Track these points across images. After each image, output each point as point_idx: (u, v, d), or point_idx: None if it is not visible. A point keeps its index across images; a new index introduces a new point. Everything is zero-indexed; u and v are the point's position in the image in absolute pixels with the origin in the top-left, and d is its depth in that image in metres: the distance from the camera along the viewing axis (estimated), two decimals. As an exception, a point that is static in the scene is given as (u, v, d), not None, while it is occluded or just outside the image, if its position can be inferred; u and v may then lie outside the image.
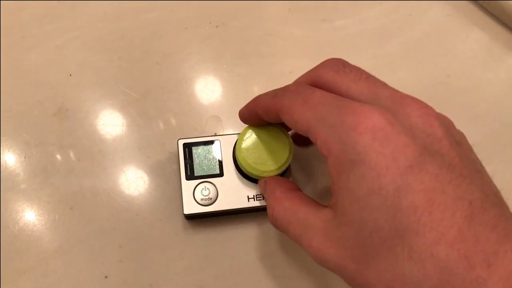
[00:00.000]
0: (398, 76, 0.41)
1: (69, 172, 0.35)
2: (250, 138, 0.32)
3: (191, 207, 0.32)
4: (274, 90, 0.29)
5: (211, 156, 0.33)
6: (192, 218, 0.34)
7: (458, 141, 0.24)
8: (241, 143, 0.32)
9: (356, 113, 0.23)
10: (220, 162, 0.33)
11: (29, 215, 0.33)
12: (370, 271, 0.23)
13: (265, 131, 0.32)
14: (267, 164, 0.31)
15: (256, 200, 0.32)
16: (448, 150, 0.23)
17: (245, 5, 0.41)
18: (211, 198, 0.32)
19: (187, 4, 0.40)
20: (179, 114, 0.37)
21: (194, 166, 0.33)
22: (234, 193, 0.32)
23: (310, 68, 0.40)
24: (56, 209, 0.34)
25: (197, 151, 0.33)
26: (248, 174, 0.32)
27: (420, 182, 0.21)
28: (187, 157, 0.33)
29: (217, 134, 0.36)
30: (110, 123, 0.36)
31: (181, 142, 0.33)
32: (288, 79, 0.39)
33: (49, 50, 0.38)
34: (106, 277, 0.32)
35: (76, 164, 0.35)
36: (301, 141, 0.34)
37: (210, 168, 0.33)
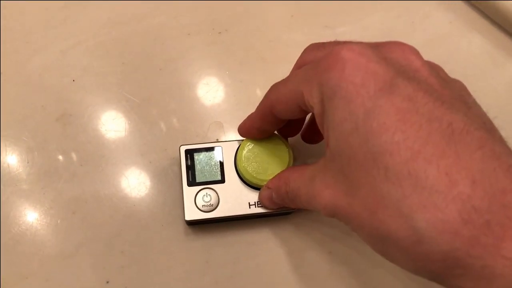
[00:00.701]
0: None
1: (72, 177, 0.35)
2: (251, 147, 0.32)
3: (192, 213, 0.32)
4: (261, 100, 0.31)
5: (212, 163, 0.33)
6: (194, 224, 0.34)
7: (443, 77, 0.24)
8: (242, 152, 0.32)
9: (327, 57, 0.23)
10: (222, 169, 0.33)
11: (32, 220, 0.34)
12: (356, 201, 0.22)
13: (266, 141, 0.32)
14: (267, 173, 0.32)
15: (257, 207, 0.32)
16: (426, 77, 0.22)
17: (247, 12, 0.41)
18: (212, 205, 0.32)
19: (190, 10, 0.41)
20: (181, 120, 0.37)
21: (196, 173, 0.33)
22: (235, 200, 0.32)
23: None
24: (58, 214, 0.34)
25: (199, 157, 0.33)
26: (248, 182, 0.32)
27: (391, 103, 0.21)
28: (189, 163, 0.33)
29: (219, 140, 0.36)
30: (113, 128, 0.36)
31: (183, 148, 0.33)
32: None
33: (53, 55, 0.38)
34: (107, 282, 0.33)
35: (78, 169, 0.35)
36: (309, 137, 0.35)
37: (211, 175, 0.33)
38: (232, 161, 0.33)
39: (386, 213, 0.20)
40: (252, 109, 0.38)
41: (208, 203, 0.32)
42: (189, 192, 0.32)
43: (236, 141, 0.33)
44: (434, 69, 0.24)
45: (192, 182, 0.33)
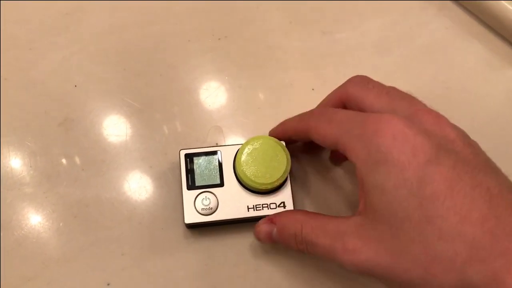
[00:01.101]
0: (397, 88, 0.42)
1: (74, 181, 0.35)
2: (250, 151, 0.33)
3: (192, 217, 0.32)
4: (299, 115, 0.32)
5: (212, 167, 0.34)
6: (193, 227, 0.34)
7: (471, 143, 0.27)
8: (241, 157, 0.33)
9: (376, 122, 0.26)
10: (221, 173, 0.34)
11: (34, 223, 0.34)
12: (406, 259, 0.25)
13: (264, 145, 0.33)
14: (265, 176, 0.32)
15: (256, 210, 0.33)
16: (461, 148, 0.26)
17: (247, 18, 0.42)
18: (211, 208, 0.33)
19: (190, 17, 0.41)
20: (181, 125, 0.38)
21: (195, 177, 0.33)
22: (234, 203, 0.33)
23: (310, 79, 0.41)
24: (60, 217, 0.34)
25: (198, 162, 0.34)
26: (247, 186, 0.33)
27: (439, 172, 0.24)
28: (189, 167, 0.33)
29: (218, 145, 0.37)
30: (114, 133, 0.37)
31: (182, 153, 0.34)
32: (288, 91, 0.40)
33: (55, 62, 0.39)
34: (108, 284, 0.33)
35: (80, 173, 0.36)
36: (336, 159, 0.37)
37: (211, 178, 0.33)
38: (231, 165, 0.34)
39: (440, 268, 0.23)
40: (251, 114, 0.38)
41: (208, 207, 0.33)
42: (188, 195, 0.33)
43: (235, 146, 0.34)
44: (464, 137, 0.27)
45: (191, 186, 0.33)
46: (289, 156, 0.33)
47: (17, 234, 0.34)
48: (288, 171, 0.33)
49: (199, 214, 0.33)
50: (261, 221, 0.32)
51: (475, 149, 0.26)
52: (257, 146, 0.33)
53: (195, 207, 0.33)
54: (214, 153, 0.34)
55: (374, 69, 0.42)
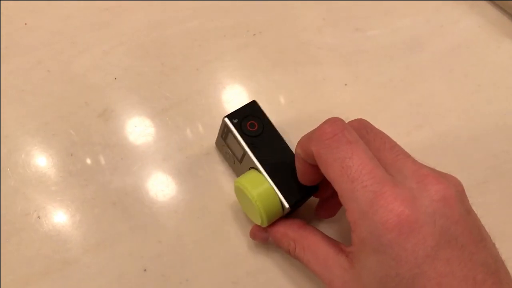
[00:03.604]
0: (429, 85, 0.42)
1: (113, 170, 0.37)
2: (236, 191, 0.33)
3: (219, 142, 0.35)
4: (310, 132, 0.28)
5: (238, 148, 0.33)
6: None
7: (467, 209, 0.26)
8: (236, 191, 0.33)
9: (386, 204, 0.24)
10: (241, 159, 0.34)
11: (75, 209, 0.35)
12: None
13: (242, 192, 0.32)
14: (254, 218, 0.33)
15: None
16: (462, 231, 0.25)
17: (281, 15, 0.43)
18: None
19: (226, 13, 0.42)
20: (216, 118, 0.38)
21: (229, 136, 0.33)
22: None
23: (343, 75, 0.41)
24: (99, 205, 0.36)
25: (231, 138, 0.34)
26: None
27: (434, 270, 0.24)
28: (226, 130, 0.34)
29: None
30: (152, 124, 0.38)
31: (227, 120, 0.33)
32: (321, 86, 0.40)
33: (97, 55, 0.40)
34: (145, 270, 0.34)
35: (119, 162, 0.37)
36: (322, 213, 0.35)
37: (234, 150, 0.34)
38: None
39: None
40: (284, 108, 0.39)
41: (227, 157, 0.36)
42: (219, 139, 0.35)
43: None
44: (463, 203, 0.26)
45: (223, 139, 0.34)
46: (263, 214, 0.31)
47: (58, 219, 0.35)
48: (266, 224, 0.32)
49: (222, 151, 0.36)
50: (255, 228, 0.34)
51: (473, 222, 0.26)
52: (244, 188, 0.31)
53: (222, 147, 0.35)
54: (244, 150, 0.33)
55: (406, 65, 0.42)
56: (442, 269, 0.24)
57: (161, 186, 0.36)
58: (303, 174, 0.30)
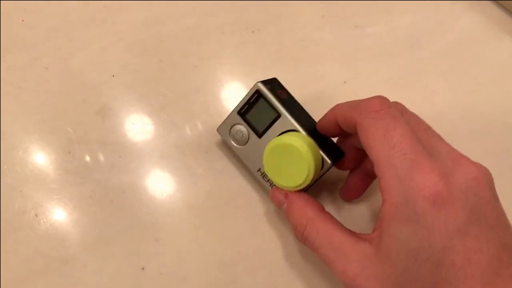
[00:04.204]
0: (428, 83, 0.42)
1: (110, 168, 0.36)
2: (271, 152, 0.32)
3: (223, 131, 0.35)
4: (355, 102, 0.30)
5: (266, 118, 0.33)
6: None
7: (495, 197, 0.26)
8: (266, 156, 0.32)
9: (423, 172, 0.25)
10: (267, 129, 0.34)
11: (71, 208, 0.35)
12: None
13: (286, 150, 0.31)
14: (285, 179, 0.32)
15: (262, 177, 0.34)
16: (491, 213, 0.25)
17: (280, 12, 0.42)
18: (237, 142, 0.35)
19: (224, 10, 0.42)
20: (214, 115, 0.38)
21: (250, 111, 0.34)
22: (253, 156, 0.35)
23: (342, 72, 0.41)
24: (97, 203, 0.35)
25: (262, 104, 0.33)
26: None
27: (463, 245, 0.24)
28: (251, 100, 0.34)
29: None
30: (150, 122, 0.38)
31: (259, 85, 0.33)
32: (320, 83, 0.40)
33: (94, 52, 0.40)
34: (143, 268, 0.34)
35: (117, 160, 0.37)
36: (352, 192, 0.36)
37: (257, 124, 0.34)
38: (278, 132, 0.34)
39: None
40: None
41: (236, 137, 0.35)
42: (233, 118, 0.35)
43: (295, 123, 0.33)
44: (492, 187, 0.27)
45: (241, 113, 0.34)
46: (311, 167, 0.30)
47: (55, 218, 0.35)
48: (309, 181, 0.31)
49: (228, 135, 0.35)
50: (277, 190, 0.33)
51: (499, 208, 0.26)
52: (281, 149, 0.31)
53: (230, 129, 0.35)
54: (278, 113, 0.33)
55: (405, 62, 0.42)
56: (472, 245, 0.24)
57: (158, 184, 0.36)
58: (326, 130, 0.33)
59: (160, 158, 0.37)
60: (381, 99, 0.28)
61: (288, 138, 0.31)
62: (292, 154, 0.30)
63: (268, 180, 0.34)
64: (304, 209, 0.31)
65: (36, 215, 0.34)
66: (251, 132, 0.34)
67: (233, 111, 0.35)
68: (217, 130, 0.35)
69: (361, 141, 0.28)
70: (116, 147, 0.37)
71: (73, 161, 0.36)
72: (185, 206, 0.36)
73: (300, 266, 0.34)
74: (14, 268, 0.33)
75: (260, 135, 0.34)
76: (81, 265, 0.34)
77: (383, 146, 0.27)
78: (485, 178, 0.26)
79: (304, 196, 0.32)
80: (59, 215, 0.35)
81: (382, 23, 0.43)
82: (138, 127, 0.38)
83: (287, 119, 0.33)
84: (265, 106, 0.33)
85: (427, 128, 0.29)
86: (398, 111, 0.28)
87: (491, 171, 0.27)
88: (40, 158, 0.36)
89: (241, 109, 0.34)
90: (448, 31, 0.43)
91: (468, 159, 0.27)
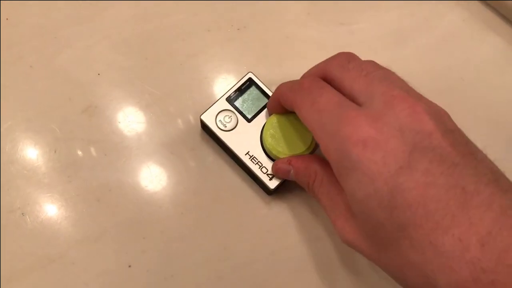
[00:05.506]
0: (412, 79, 0.42)
1: (97, 166, 0.36)
2: (276, 124, 0.34)
3: (208, 118, 0.36)
4: (291, 82, 0.32)
5: (256, 103, 0.36)
6: (204, 129, 0.37)
7: (450, 129, 0.26)
8: (268, 130, 0.34)
9: (350, 124, 0.26)
10: (257, 114, 0.36)
11: (58, 206, 0.35)
12: (383, 257, 0.26)
13: (291, 117, 0.34)
14: (295, 148, 0.34)
15: (251, 160, 0.35)
16: (439, 142, 0.24)
17: (265, 9, 0.42)
18: (225, 127, 0.35)
19: (210, 7, 0.42)
20: (201, 112, 0.38)
21: (238, 98, 0.36)
22: (242, 140, 0.35)
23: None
24: (84, 201, 0.36)
25: (252, 91, 0.37)
26: (270, 155, 0.35)
27: (411, 180, 0.23)
28: (242, 87, 0.36)
29: None
30: (136, 120, 0.38)
31: (250, 75, 0.37)
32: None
33: (79, 50, 0.40)
34: (129, 266, 0.34)
35: (103, 158, 0.37)
36: None
37: (246, 109, 0.36)
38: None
39: (412, 273, 0.24)
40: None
41: (224, 123, 0.35)
42: (221, 104, 0.36)
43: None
44: (440, 120, 0.25)
45: (229, 100, 0.36)
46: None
47: (42, 216, 0.35)
48: (314, 143, 0.34)
49: (214, 122, 0.35)
50: (279, 161, 0.34)
51: (455, 137, 0.25)
52: (284, 119, 0.34)
53: (216, 115, 0.36)
54: (268, 97, 0.36)
55: (390, 59, 0.42)
56: (422, 179, 0.23)
57: (145, 182, 0.36)
58: (274, 110, 0.35)
59: (146, 156, 0.37)
60: (309, 78, 0.30)
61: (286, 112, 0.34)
62: (296, 121, 0.34)
63: (257, 163, 0.35)
64: (310, 165, 0.32)
65: (22, 213, 0.35)
66: (240, 117, 0.35)
67: (220, 98, 0.36)
68: (201, 117, 0.36)
69: (299, 117, 0.30)
70: (102, 145, 0.37)
71: (59, 159, 0.36)
72: (172, 204, 0.36)
73: (286, 263, 0.35)
74: (1, 266, 0.33)
75: (249, 120, 0.36)
76: (68, 263, 0.34)
77: (313, 114, 0.28)
78: (421, 111, 0.25)
79: (306, 156, 0.33)
80: (46, 213, 0.35)
81: (367, 20, 0.43)
82: (124, 125, 0.38)
83: None
84: (256, 93, 0.36)
85: (368, 73, 0.28)
86: (324, 83, 0.29)
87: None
88: (26, 157, 0.36)
89: (230, 96, 0.36)
90: (433, 27, 0.44)
91: (402, 96, 0.26)
